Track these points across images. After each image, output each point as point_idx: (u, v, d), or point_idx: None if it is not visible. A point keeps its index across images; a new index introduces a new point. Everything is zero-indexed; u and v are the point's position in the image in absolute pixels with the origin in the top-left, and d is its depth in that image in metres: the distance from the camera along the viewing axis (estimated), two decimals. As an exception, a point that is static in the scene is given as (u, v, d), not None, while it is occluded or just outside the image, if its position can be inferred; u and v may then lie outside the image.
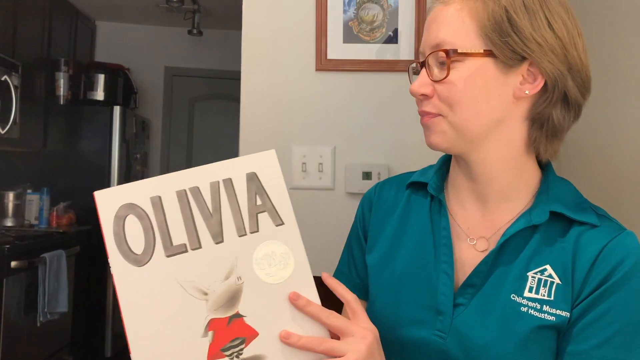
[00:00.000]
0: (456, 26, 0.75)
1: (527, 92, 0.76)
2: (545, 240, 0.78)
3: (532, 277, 0.76)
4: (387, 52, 1.63)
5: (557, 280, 0.75)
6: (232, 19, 2.88)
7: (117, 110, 3.87)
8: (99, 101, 4.00)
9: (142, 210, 0.50)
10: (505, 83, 0.75)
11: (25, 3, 3.37)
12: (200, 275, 0.49)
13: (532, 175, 0.82)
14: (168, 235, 0.50)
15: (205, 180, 0.50)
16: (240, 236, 0.50)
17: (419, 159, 1.69)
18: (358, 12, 1.62)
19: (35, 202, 3.51)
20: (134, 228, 0.50)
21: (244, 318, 0.49)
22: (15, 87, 3.07)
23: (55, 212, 3.57)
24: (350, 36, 1.62)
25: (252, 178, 0.51)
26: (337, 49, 1.61)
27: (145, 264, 0.49)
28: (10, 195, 3.36)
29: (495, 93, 0.75)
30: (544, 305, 0.74)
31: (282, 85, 1.60)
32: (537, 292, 0.75)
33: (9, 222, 3.34)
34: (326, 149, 1.57)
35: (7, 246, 2.66)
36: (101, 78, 4.01)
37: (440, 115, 0.77)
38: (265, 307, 0.51)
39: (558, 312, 0.74)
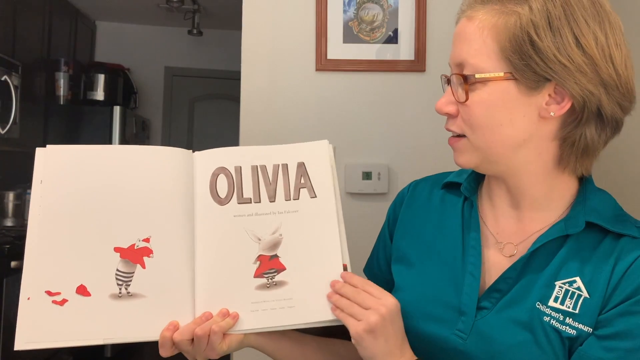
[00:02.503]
0: (477, 46, 0.72)
1: (552, 113, 0.72)
2: (577, 250, 0.75)
3: (560, 286, 0.74)
4: (387, 52, 1.63)
5: (585, 293, 0.73)
6: (232, 19, 2.88)
7: (117, 110, 3.86)
8: (99, 101, 4.00)
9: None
10: (529, 104, 0.72)
11: (25, 3, 3.37)
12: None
13: (567, 187, 0.79)
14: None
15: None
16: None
17: (418, 159, 1.69)
18: (358, 12, 1.62)
19: (35, 202, 3.50)
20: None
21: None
22: (15, 87, 3.07)
23: (55, 212, 3.56)
24: (350, 36, 1.62)
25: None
26: (337, 49, 1.61)
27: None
28: (10, 195, 3.36)
29: (519, 114, 0.72)
30: (567, 318, 0.73)
31: (282, 85, 1.60)
32: (562, 303, 0.73)
33: (9, 222, 3.34)
34: (326, 149, 1.57)
35: (7, 246, 2.65)
36: (101, 78, 4.01)
37: (464, 136, 0.76)
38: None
39: (580, 326, 0.72)
